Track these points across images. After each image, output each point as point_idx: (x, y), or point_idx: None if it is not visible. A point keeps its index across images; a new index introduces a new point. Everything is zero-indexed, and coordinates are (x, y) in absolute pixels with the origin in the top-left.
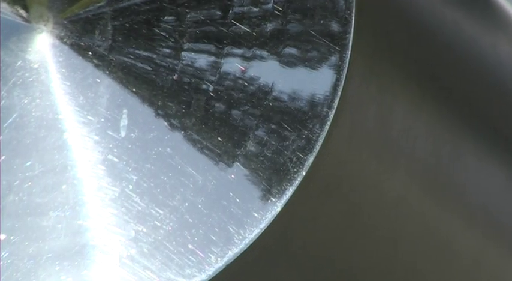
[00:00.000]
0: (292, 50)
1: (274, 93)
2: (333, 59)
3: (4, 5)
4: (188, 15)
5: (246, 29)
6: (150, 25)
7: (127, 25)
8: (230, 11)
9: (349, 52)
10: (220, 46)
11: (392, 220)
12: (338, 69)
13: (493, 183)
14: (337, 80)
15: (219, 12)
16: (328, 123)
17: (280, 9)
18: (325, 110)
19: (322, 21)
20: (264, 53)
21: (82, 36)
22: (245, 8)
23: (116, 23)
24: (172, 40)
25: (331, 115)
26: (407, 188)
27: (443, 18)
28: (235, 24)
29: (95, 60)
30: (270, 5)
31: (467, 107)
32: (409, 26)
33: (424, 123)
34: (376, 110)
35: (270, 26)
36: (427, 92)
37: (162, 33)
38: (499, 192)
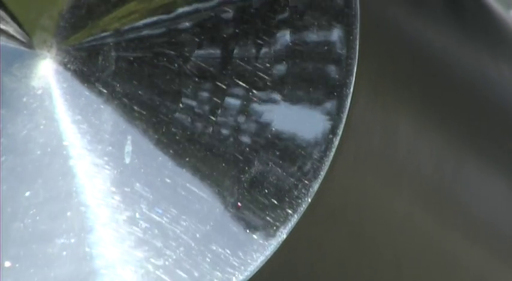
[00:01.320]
0: (296, 76)
1: (278, 120)
2: (338, 85)
3: (7, 30)
4: (193, 47)
5: (248, 54)
6: (154, 52)
7: (130, 51)
8: (235, 50)
9: (354, 78)
10: (225, 73)
11: (397, 241)
12: (342, 95)
13: (496, 196)
14: (342, 106)
15: (223, 51)
16: (333, 149)
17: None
18: (329, 136)
19: (326, 47)
20: (269, 79)
21: (85, 62)
22: (248, 45)
23: (119, 48)
24: (177, 66)
25: (336, 141)
26: (411, 208)
27: (446, 40)
28: (239, 62)
29: (98, 86)
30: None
31: (469, 124)
32: (413, 49)
33: (428, 144)
34: (381, 134)
35: (275, 53)
36: (431, 113)
37: (166, 60)
38: (502, 204)
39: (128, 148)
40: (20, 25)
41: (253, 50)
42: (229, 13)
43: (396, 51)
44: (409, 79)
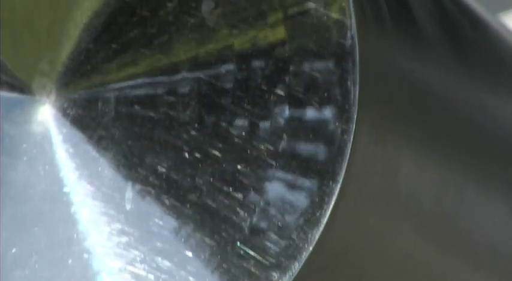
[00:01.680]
0: (296, 129)
1: (279, 168)
2: (337, 132)
3: (6, 76)
4: (193, 95)
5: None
6: (154, 100)
7: (131, 97)
8: (232, 121)
9: (354, 125)
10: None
11: (400, 278)
12: (342, 142)
13: (497, 224)
14: (342, 153)
15: (220, 119)
16: (334, 196)
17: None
18: (330, 183)
19: (326, 94)
20: (269, 128)
21: (85, 107)
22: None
23: (119, 95)
24: (177, 112)
25: (337, 188)
26: (413, 244)
27: (445, 74)
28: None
29: (98, 132)
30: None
31: (470, 155)
32: (412, 88)
33: (429, 178)
34: (382, 176)
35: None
36: (431, 148)
37: (166, 106)
38: (504, 232)
39: (129, 194)
40: (18, 70)
41: (249, 122)
42: (229, 83)
43: (395, 93)
44: (408, 118)
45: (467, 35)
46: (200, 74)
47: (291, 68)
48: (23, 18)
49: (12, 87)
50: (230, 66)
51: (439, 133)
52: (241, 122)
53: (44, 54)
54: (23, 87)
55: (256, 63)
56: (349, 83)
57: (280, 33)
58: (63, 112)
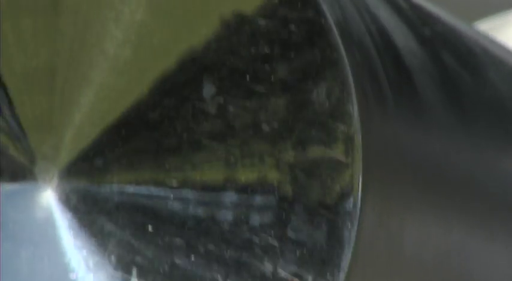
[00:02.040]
0: (300, 217)
1: (282, 257)
2: (341, 219)
3: (7, 162)
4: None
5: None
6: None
7: (133, 184)
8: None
9: (358, 212)
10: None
11: None
12: (346, 230)
13: (500, 273)
14: (345, 241)
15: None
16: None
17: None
18: (335, 271)
19: (328, 178)
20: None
21: (88, 192)
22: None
23: (122, 181)
24: (180, 198)
25: (342, 276)
26: None
27: (448, 148)
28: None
29: (102, 217)
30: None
31: (473, 212)
32: (414, 158)
33: (432, 242)
34: (387, 254)
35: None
36: (434, 215)
37: (169, 192)
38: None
39: (134, 280)
40: (20, 155)
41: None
42: (229, 215)
43: (398, 170)
44: (411, 191)
45: (467, 86)
46: (201, 198)
47: (296, 207)
48: (24, 101)
49: (13, 174)
50: (232, 197)
51: (441, 197)
52: (240, 248)
53: (46, 138)
54: (24, 173)
55: (258, 200)
56: (354, 173)
57: (284, 173)
58: (66, 197)
